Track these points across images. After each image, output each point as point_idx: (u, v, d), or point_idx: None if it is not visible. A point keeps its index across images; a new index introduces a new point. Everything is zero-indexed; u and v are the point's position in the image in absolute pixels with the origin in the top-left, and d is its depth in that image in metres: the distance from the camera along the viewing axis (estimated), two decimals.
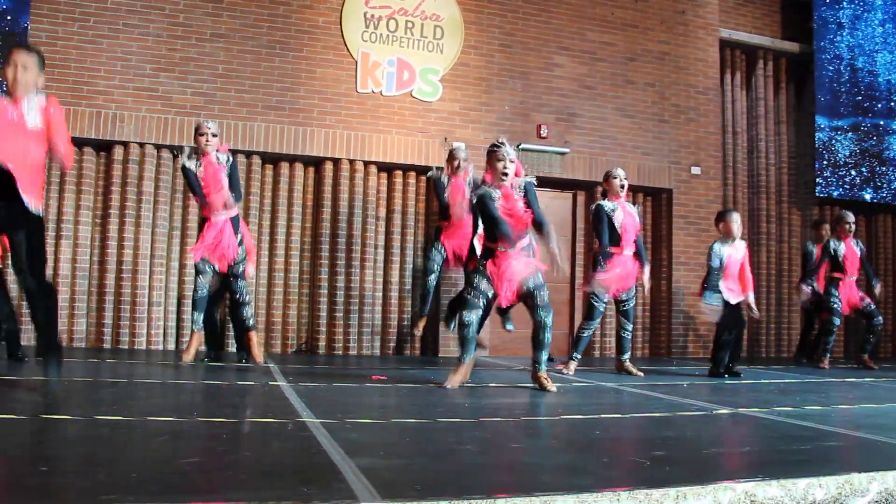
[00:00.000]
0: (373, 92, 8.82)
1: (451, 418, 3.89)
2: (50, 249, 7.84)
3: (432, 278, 7.82)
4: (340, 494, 2.25)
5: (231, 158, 6.40)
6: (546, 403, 4.87)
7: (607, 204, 6.97)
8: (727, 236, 7.05)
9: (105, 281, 8.01)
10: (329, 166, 8.67)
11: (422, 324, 8.16)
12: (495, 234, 5.22)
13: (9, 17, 7.74)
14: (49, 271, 7.89)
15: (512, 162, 5.25)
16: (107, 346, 7.90)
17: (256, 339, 6.66)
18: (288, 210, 8.62)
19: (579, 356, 7.05)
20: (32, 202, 4.09)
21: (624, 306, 7.12)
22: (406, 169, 8.94)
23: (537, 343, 5.32)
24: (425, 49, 9.04)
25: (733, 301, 7.01)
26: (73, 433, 3.25)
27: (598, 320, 7.15)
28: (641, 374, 6.92)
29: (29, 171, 4.07)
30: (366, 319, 8.65)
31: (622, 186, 6.98)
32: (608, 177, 7.07)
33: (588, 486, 2.46)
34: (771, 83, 11.22)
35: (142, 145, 8.10)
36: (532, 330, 5.36)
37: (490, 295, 5.34)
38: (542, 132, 9.27)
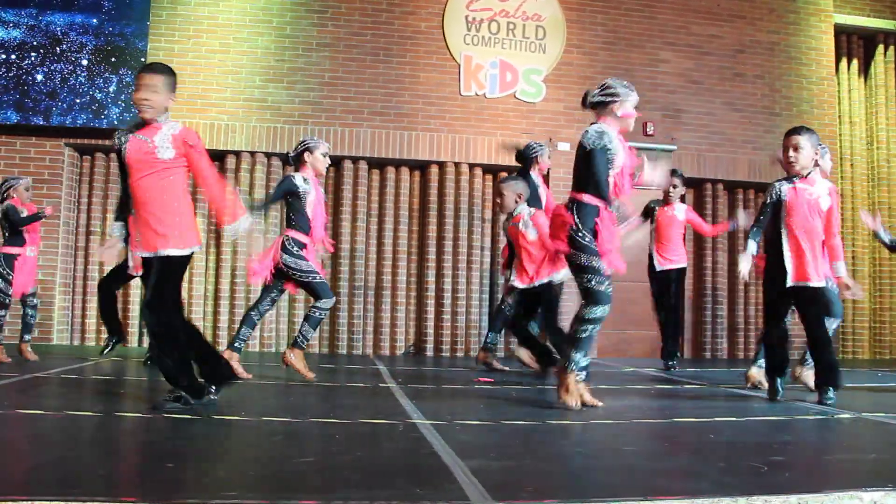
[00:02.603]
0: (476, 94, 8.86)
1: (560, 420, 3.86)
2: None
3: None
4: (452, 496, 2.27)
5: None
6: (658, 407, 4.78)
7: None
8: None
9: (220, 286, 8.33)
10: (434, 169, 8.75)
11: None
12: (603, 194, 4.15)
13: (129, 37, 8.15)
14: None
15: None
16: (222, 347, 8.17)
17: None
18: (395, 214, 8.75)
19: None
20: (167, 249, 3.73)
21: None
22: (511, 171, 8.90)
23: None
24: (527, 50, 9.01)
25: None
26: (195, 432, 3.39)
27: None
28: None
29: (164, 210, 3.73)
30: (472, 321, 8.68)
31: None
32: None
33: (703, 490, 2.40)
34: (892, 69, 10.63)
35: (253, 154, 8.39)
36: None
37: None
38: (648, 129, 9.09)
